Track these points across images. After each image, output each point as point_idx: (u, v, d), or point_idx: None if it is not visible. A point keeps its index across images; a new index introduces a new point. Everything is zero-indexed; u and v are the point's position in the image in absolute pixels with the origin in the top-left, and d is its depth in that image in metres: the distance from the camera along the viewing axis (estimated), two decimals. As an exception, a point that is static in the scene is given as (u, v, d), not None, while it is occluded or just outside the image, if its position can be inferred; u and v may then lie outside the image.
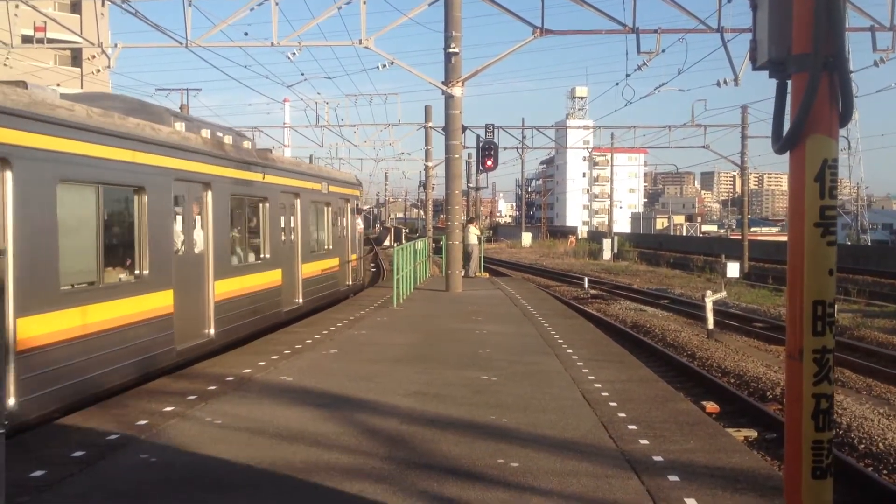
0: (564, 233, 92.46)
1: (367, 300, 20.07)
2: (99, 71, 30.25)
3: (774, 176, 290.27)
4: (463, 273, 23.53)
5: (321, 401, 8.66)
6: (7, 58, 23.22)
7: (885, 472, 9.08)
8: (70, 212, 8.62)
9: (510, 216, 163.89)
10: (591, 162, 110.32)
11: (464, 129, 22.90)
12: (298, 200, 16.92)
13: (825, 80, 2.82)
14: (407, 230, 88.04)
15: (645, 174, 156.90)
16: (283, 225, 15.94)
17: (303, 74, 71.75)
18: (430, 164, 43.47)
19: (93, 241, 9.10)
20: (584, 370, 10.58)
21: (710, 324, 19.21)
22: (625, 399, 8.86)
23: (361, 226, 23.46)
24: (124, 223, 10.01)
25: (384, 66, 22.94)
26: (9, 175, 7.54)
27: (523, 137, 47.22)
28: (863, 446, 9.81)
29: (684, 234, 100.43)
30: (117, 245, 9.92)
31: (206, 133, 12.71)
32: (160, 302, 10.49)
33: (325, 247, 19.35)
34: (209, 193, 12.25)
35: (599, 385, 9.60)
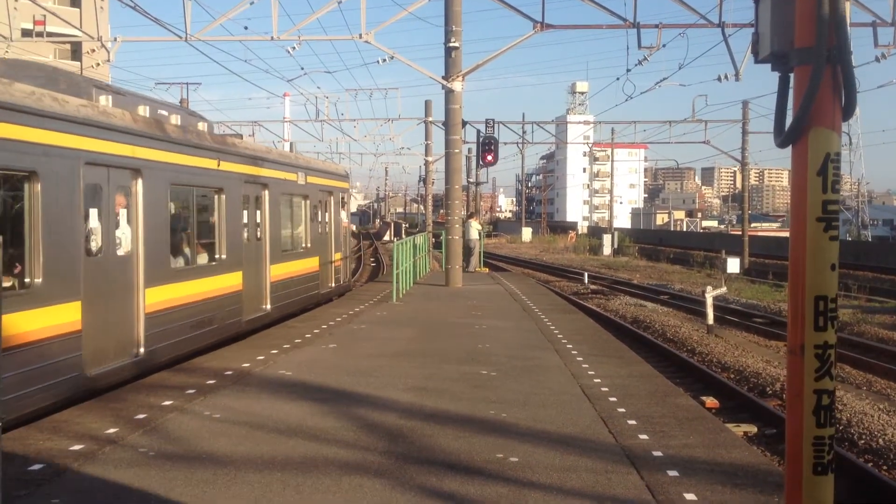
0: (564, 228, 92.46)
1: (367, 295, 20.06)
2: (98, 65, 30.27)
3: (775, 172, 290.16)
4: (463, 268, 23.52)
5: (320, 395, 8.65)
6: (7, 52, 23.19)
7: (885, 467, 9.07)
8: None
9: (510, 211, 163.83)
10: (592, 157, 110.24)
11: (464, 123, 22.87)
12: (267, 192, 14.78)
13: (828, 72, 2.80)
14: (407, 225, 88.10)
15: (645, 170, 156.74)
16: (246, 220, 13.83)
17: (302, 69, 71.32)
18: (430, 158, 43.43)
19: None
20: (584, 365, 10.57)
21: (710, 319, 19.20)
22: (625, 394, 8.85)
23: (347, 221, 21.44)
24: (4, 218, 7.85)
25: (384, 60, 22.95)
26: None
27: (523, 132, 47.14)
28: (863, 442, 9.80)
29: (684, 229, 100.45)
30: None
31: (143, 110, 10.73)
32: (58, 318, 8.20)
33: (302, 245, 17.33)
34: (139, 182, 9.99)
35: (599, 380, 9.59)
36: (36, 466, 6.18)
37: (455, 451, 6.65)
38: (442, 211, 25.63)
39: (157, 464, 6.29)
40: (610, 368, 10.40)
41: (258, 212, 14.63)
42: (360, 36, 19.96)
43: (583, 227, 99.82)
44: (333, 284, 19.64)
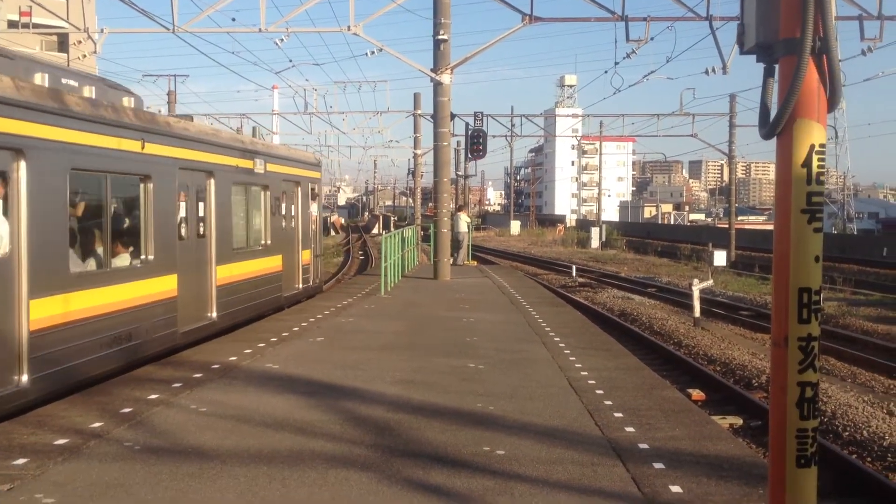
0: (553, 221, 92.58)
1: (355, 288, 20.03)
2: (85, 56, 30.05)
3: (762, 165, 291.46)
4: (451, 261, 23.50)
5: (307, 389, 8.63)
6: (-9, 42, 22.98)
7: (869, 459, 9.13)
8: None
9: (499, 204, 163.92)
10: (580, 150, 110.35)
11: (453, 116, 22.84)
12: (212, 181, 12.73)
13: (813, 63, 2.79)
14: (395, 218, 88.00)
15: (633, 163, 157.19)
16: (184, 214, 11.83)
17: (291, 61, 70.88)
18: (418, 151, 43.39)
19: None
20: (571, 358, 10.58)
21: (697, 312, 19.27)
22: (611, 387, 8.86)
23: (317, 215, 19.28)
24: None
25: (373, 52, 22.87)
26: None
27: (512, 125, 47.16)
28: (847, 434, 9.86)
29: (672, 222, 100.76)
30: None
31: (40, 78, 9.18)
32: None
33: (261, 242, 15.36)
34: (22, 165, 8.03)
35: (586, 373, 9.60)
36: (20, 461, 6.13)
37: (442, 444, 6.65)
38: (431, 204, 25.53)
39: (143, 458, 6.25)
40: (597, 361, 10.42)
41: (201, 204, 12.52)
42: (349, 28, 19.88)
43: (571, 220, 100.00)
44: (301, 286, 17.69)
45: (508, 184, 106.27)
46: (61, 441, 6.64)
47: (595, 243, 57.75)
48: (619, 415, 7.65)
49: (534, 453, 6.44)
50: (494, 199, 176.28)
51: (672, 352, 15.18)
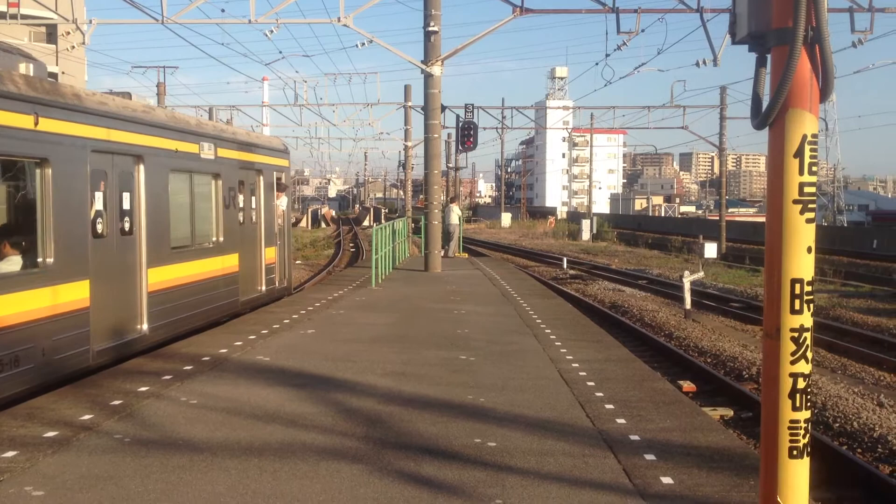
0: (544, 213, 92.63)
1: (346, 280, 19.99)
2: (74, 47, 29.84)
3: (752, 157, 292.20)
4: (442, 253, 23.48)
5: (298, 381, 8.61)
6: (-22, 33, 22.77)
7: (859, 450, 9.17)
8: None
9: (490, 196, 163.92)
10: (571, 143, 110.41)
11: (443, 108, 22.81)
12: (142, 167, 10.79)
13: (805, 53, 2.78)
14: (386, 210, 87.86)
15: (624, 155, 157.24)
16: (100, 207, 9.85)
17: (281, 52, 71.00)
18: (409, 143, 43.30)
19: None
20: (562, 350, 10.59)
21: (688, 304, 19.32)
22: (602, 378, 8.87)
23: (284, 208, 17.19)
24: None
25: (363, 44, 22.76)
26: None
27: (503, 118, 47.08)
28: (837, 425, 9.91)
29: (663, 214, 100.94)
30: None
31: None
32: None
33: (211, 239, 13.36)
34: None
35: (577, 364, 9.61)
36: (10, 453, 6.10)
37: (433, 436, 6.64)
38: (421, 196, 25.47)
39: (133, 450, 6.23)
40: (588, 353, 10.43)
41: (127, 195, 10.51)
42: (339, 19, 19.79)
43: (562, 212, 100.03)
44: (263, 288, 15.65)
45: (499, 176, 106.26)
46: (51, 433, 6.61)
47: (586, 235, 57.83)
48: (610, 406, 7.66)
49: (525, 445, 6.44)
50: (485, 191, 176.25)
51: (663, 343, 15.22)
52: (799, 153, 2.79)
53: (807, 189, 2.81)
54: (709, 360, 14.16)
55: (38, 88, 8.70)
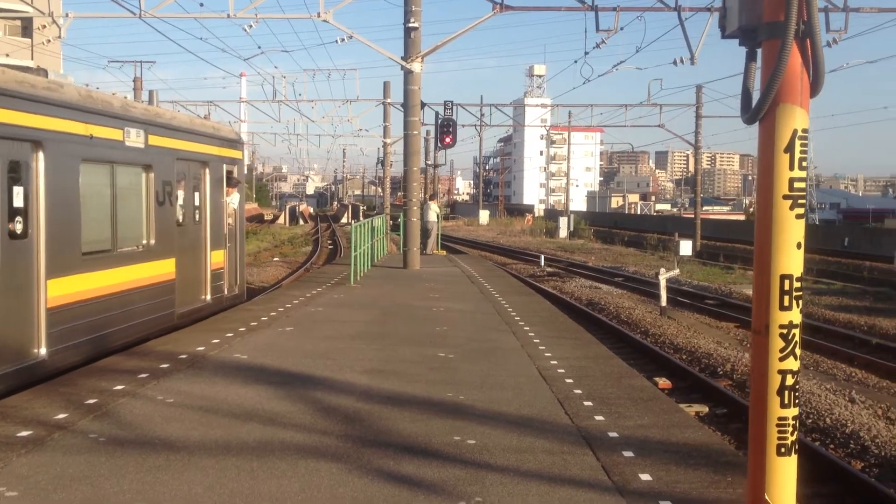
0: (521, 211, 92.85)
1: (324, 277, 19.89)
2: (49, 41, 29.46)
3: (726, 156, 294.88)
4: (420, 250, 23.43)
5: (276, 379, 8.53)
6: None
7: (832, 446, 9.25)
8: None
9: (468, 194, 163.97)
10: (549, 140, 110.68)
11: (423, 105, 22.74)
12: (41, 155, 8.82)
13: (795, 48, 2.76)
14: (365, 207, 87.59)
15: (601, 153, 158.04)
16: None
17: (259, 48, 70.75)
18: (388, 140, 43.20)
19: None
20: (541, 347, 10.58)
21: (664, 301, 19.41)
22: (580, 376, 8.87)
23: (235, 206, 15.16)
24: None
25: (343, 40, 22.63)
26: None
27: (482, 115, 47.08)
28: (811, 421, 9.98)
29: (639, 212, 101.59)
30: None
31: None
32: None
33: (140, 242, 11.52)
34: None
35: (556, 362, 9.61)
36: (-20, 453, 5.98)
37: (412, 434, 6.60)
38: (400, 193, 25.39)
39: (108, 450, 6.13)
40: (566, 350, 10.43)
41: (18, 189, 8.57)
42: (319, 15, 19.69)
43: (539, 209, 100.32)
44: (209, 297, 13.81)
45: (477, 173, 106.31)
46: (25, 433, 6.48)
47: (563, 233, 58.06)
48: (589, 403, 7.66)
49: (504, 442, 6.42)
50: (463, 188, 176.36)
51: (639, 340, 15.28)
52: (789, 148, 2.77)
53: (797, 184, 2.79)
54: (684, 356, 14.23)
55: None
